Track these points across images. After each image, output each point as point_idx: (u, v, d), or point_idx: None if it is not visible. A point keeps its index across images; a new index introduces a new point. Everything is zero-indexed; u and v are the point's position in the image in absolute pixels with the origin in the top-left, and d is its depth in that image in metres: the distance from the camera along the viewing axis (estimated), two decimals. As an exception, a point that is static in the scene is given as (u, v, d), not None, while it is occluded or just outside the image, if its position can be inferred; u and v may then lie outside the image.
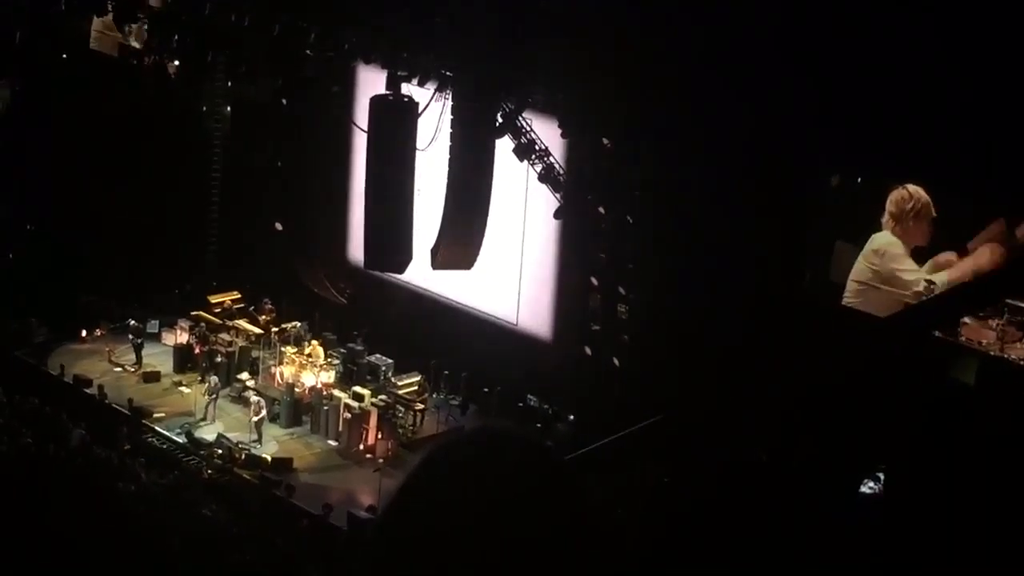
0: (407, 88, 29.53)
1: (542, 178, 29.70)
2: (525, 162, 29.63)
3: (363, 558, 2.92)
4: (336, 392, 31.82)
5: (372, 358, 32.90)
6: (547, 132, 29.56)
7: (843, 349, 26.28)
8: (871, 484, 25.55)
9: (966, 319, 25.45)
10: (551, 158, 29.60)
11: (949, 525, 22.87)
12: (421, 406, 31.83)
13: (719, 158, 27.07)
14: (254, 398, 31.27)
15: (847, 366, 25.64)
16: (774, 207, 27.30)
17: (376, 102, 29.62)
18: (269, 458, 29.95)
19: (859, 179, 27.51)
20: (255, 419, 30.88)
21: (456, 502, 2.83)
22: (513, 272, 32.23)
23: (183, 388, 33.04)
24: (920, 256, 26.68)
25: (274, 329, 33.80)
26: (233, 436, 30.58)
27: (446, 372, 33.22)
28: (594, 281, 30.21)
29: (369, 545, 2.92)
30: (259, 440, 30.75)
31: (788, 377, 25.76)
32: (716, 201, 27.29)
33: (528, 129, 29.39)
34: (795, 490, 24.20)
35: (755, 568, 22.82)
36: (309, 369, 32.28)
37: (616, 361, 29.81)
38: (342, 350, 33.47)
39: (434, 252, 30.01)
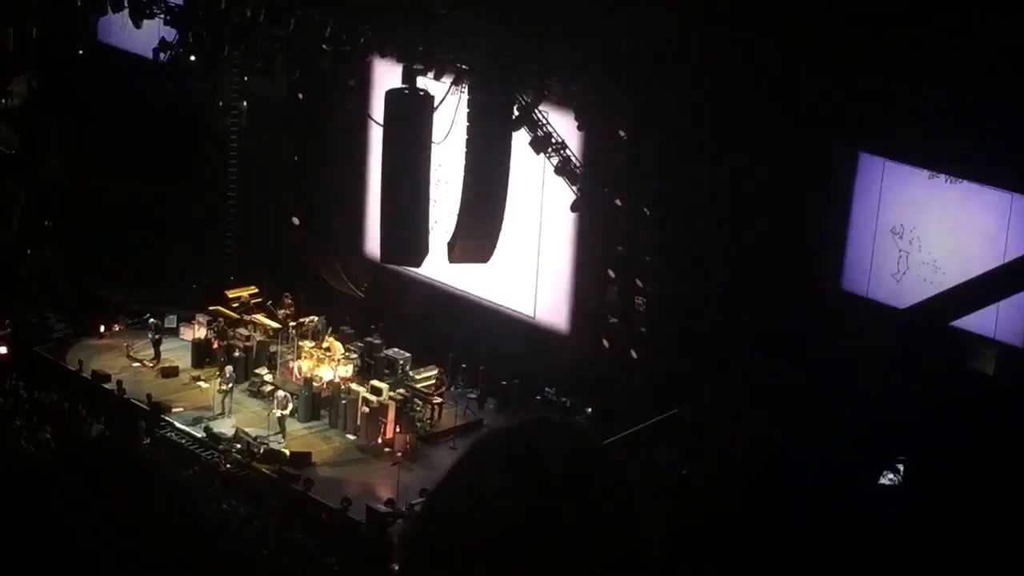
0: (423, 81, 29.56)
1: (559, 171, 29.72)
2: (542, 155, 29.65)
3: (407, 546, 2.96)
4: (354, 386, 31.86)
5: (390, 352, 32.92)
6: (564, 125, 29.58)
7: (864, 338, 26.26)
8: (891, 475, 25.53)
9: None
10: (568, 151, 29.61)
11: (969, 516, 22.84)
12: (439, 399, 31.87)
13: (738, 149, 27.06)
14: (280, 393, 31.32)
15: (867, 356, 25.62)
16: (795, 198, 27.26)
17: (392, 96, 29.65)
18: (288, 452, 30.00)
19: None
20: (281, 413, 30.93)
21: (501, 490, 2.88)
22: (530, 265, 32.25)
23: (201, 383, 33.12)
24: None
25: (291, 323, 33.84)
26: (251, 431, 30.65)
27: (464, 365, 33.25)
28: (611, 273, 30.22)
29: (412, 534, 2.95)
30: (283, 434, 30.81)
31: (808, 367, 25.73)
32: (734, 192, 27.28)
33: (544, 122, 29.41)
34: (815, 481, 24.19)
35: (775, 560, 22.84)
36: (327, 363, 32.32)
37: (634, 353, 29.83)
38: (360, 344, 33.50)
39: (451, 246, 30.02)
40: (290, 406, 31.12)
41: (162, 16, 32.78)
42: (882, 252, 27.53)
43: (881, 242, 27.53)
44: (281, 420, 30.95)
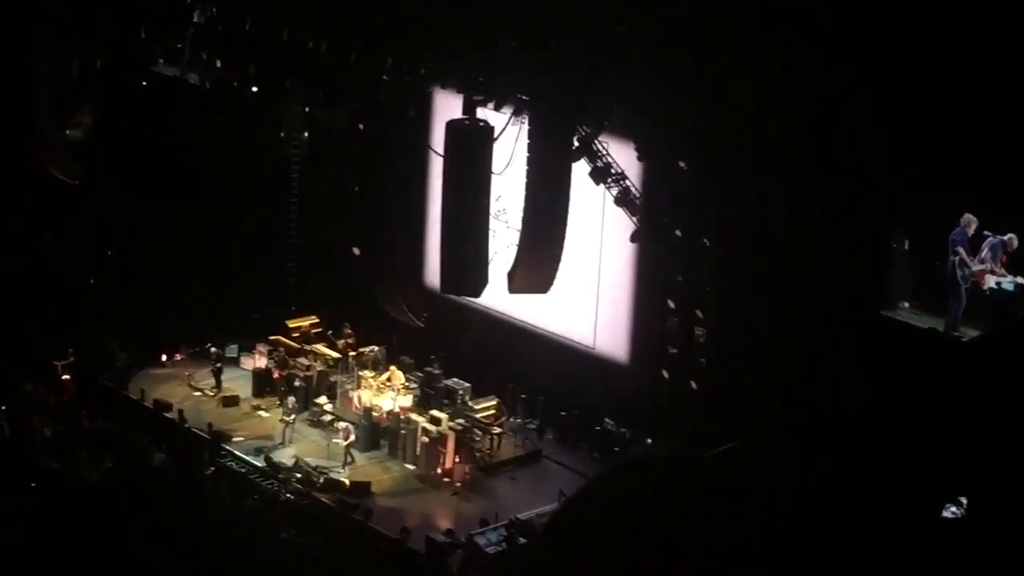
0: (483, 112, 29.63)
1: (618, 201, 29.71)
2: (601, 185, 29.65)
3: (529, 563, 3.11)
4: (413, 416, 31.93)
5: (449, 382, 32.98)
6: (623, 155, 29.58)
7: (928, 373, 26.04)
8: (953, 508, 25.26)
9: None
10: (627, 181, 29.61)
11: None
12: (498, 429, 31.89)
13: (797, 181, 26.95)
14: (341, 424, 31.43)
15: (931, 389, 25.40)
16: (853, 230, 27.12)
17: (452, 127, 29.74)
18: (347, 482, 30.08)
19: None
20: (345, 442, 31.03)
21: (622, 518, 3.05)
22: (590, 295, 32.23)
23: (262, 412, 33.28)
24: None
25: (352, 353, 33.95)
26: (311, 460, 30.75)
27: (523, 396, 33.26)
28: (671, 304, 30.13)
29: (534, 553, 3.11)
30: (349, 463, 30.91)
31: (870, 402, 25.53)
32: (794, 224, 27.16)
33: (604, 152, 29.42)
34: (877, 515, 23.97)
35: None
36: (386, 393, 32.41)
37: (693, 384, 29.71)
38: (419, 374, 33.58)
39: (510, 276, 30.04)
40: (352, 436, 31.23)
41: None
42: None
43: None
44: (348, 448, 31.05)
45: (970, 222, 26.02)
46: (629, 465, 3.42)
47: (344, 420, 31.70)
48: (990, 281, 26.06)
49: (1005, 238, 25.86)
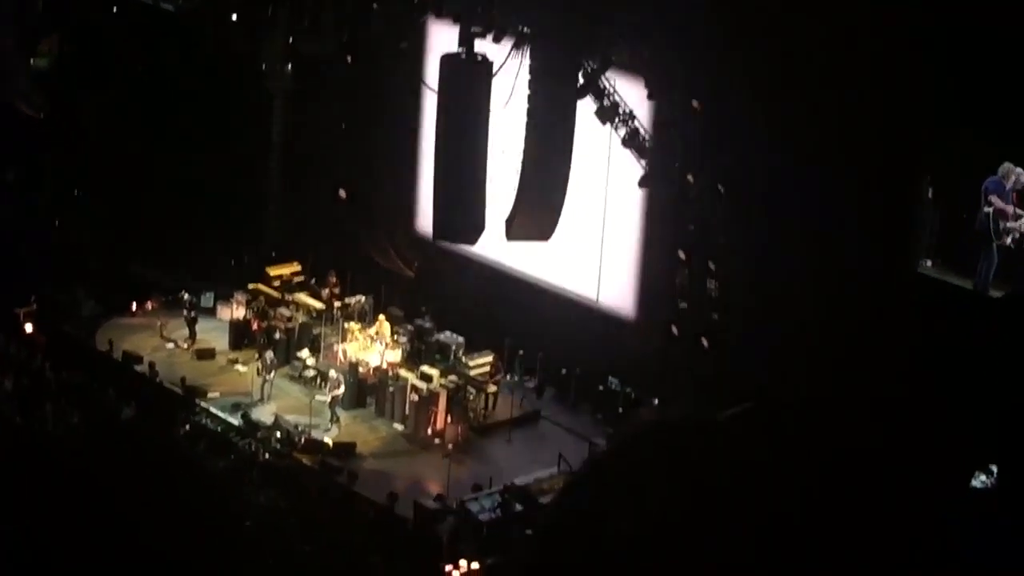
0: (481, 45, 29.53)
1: (626, 143, 29.66)
2: (608, 126, 29.59)
3: (542, 536, 3.17)
4: (403, 372, 31.95)
5: (441, 336, 32.99)
6: (632, 93, 29.52)
7: (957, 330, 26.05)
8: (983, 477, 25.33)
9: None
10: (636, 121, 29.55)
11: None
12: (494, 388, 31.92)
13: (821, 122, 26.87)
14: (332, 374, 31.40)
15: (960, 348, 25.42)
16: (884, 173, 27.02)
17: (448, 61, 29.64)
18: (330, 442, 30.13)
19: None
20: (331, 394, 31.04)
21: (644, 485, 3.11)
22: (594, 245, 32.22)
23: (239, 366, 33.29)
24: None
25: (337, 304, 33.96)
26: (292, 418, 30.79)
27: (521, 352, 33.27)
28: (682, 255, 30.09)
29: (547, 522, 3.17)
30: (334, 420, 30.94)
31: (895, 361, 25.55)
32: (817, 167, 27.09)
33: (612, 90, 29.35)
34: (901, 483, 24.04)
35: (859, 565, 22.70)
36: (374, 347, 32.42)
37: (705, 342, 29.73)
38: (409, 327, 33.56)
39: (509, 222, 30.02)
40: (341, 388, 31.20)
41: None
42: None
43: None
44: (332, 405, 31.06)
45: (1010, 172, 25.75)
46: (638, 434, 3.41)
47: (334, 371, 31.66)
48: None
49: None
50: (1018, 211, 25.84)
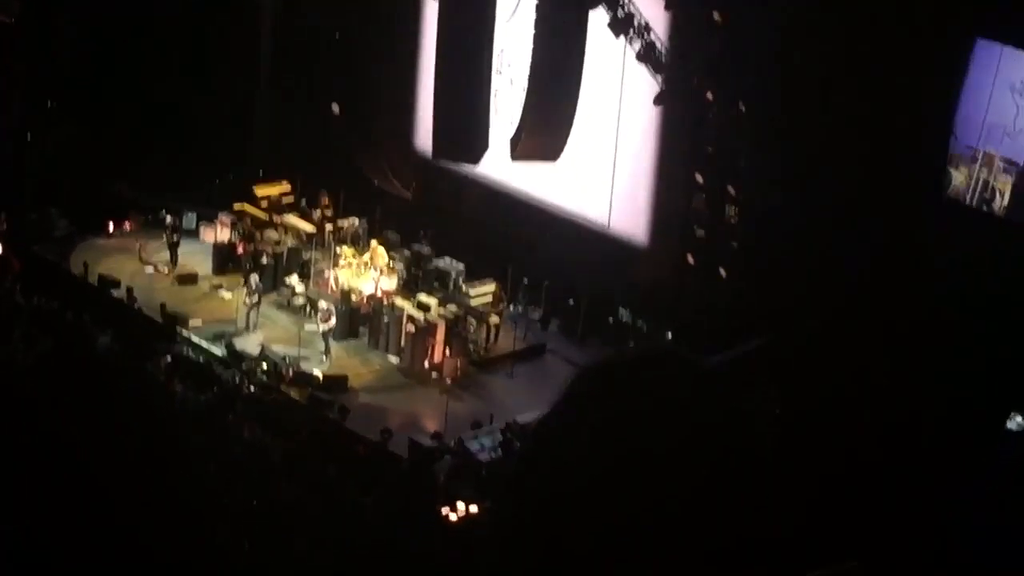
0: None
1: (641, 58, 29.60)
2: (622, 38, 29.48)
3: (511, 486, 3.09)
4: (398, 301, 31.91)
5: (440, 262, 32.98)
6: (648, 3, 29.38)
7: (989, 259, 26.03)
8: (1020, 419, 25.39)
9: None
10: (652, 34, 29.46)
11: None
12: (496, 319, 31.89)
13: (847, 36, 26.75)
14: (322, 305, 31.39)
15: (992, 279, 25.41)
16: (915, 94, 26.92)
17: (450, -35, 29.51)
18: (321, 375, 30.14)
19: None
20: (324, 326, 31.02)
21: (608, 424, 3.03)
22: (605, 167, 32.14)
23: (223, 293, 33.27)
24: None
25: (328, 227, 33.92)
26: (279, 349, 30.79)
27: (525, 280, 33.22)
28: (699, 178, 30.07)
29: (517, 474, 3.09)
30: (326, 352, 30.94)
31: (924, 294, 25.52)
32: (847, 84, 26.99)
33: (626, 0, 29.23)
34: (925, 420, 24.07)
35: (877, 505, 22.74)
36: (368, 274, 32.38)
37: (722, 271, 29.72)
38: (406, 252, 33.55)
39: (514, 141, 29.98)
40: (332, 320, 31.18)
41: None
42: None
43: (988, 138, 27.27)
44: (325, 337, 31.05)
45: None
46: (606, 368, 3.31)
47: (324, 301, 31.66)
48: None
49: None
50: None
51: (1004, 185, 27.07)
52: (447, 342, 31.05)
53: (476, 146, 30.00)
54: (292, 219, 34.45)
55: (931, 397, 24.18)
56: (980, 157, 27.21)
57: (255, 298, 32.00)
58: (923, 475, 23.02)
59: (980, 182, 27.30)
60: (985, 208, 27.25)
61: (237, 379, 29.91)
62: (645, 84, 30.06)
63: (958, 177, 27.49)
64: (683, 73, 29.59)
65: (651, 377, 3.05)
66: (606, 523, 2.87)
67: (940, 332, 24.90)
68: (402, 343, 31.48)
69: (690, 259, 30.39)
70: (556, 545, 2.90)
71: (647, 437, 2.90)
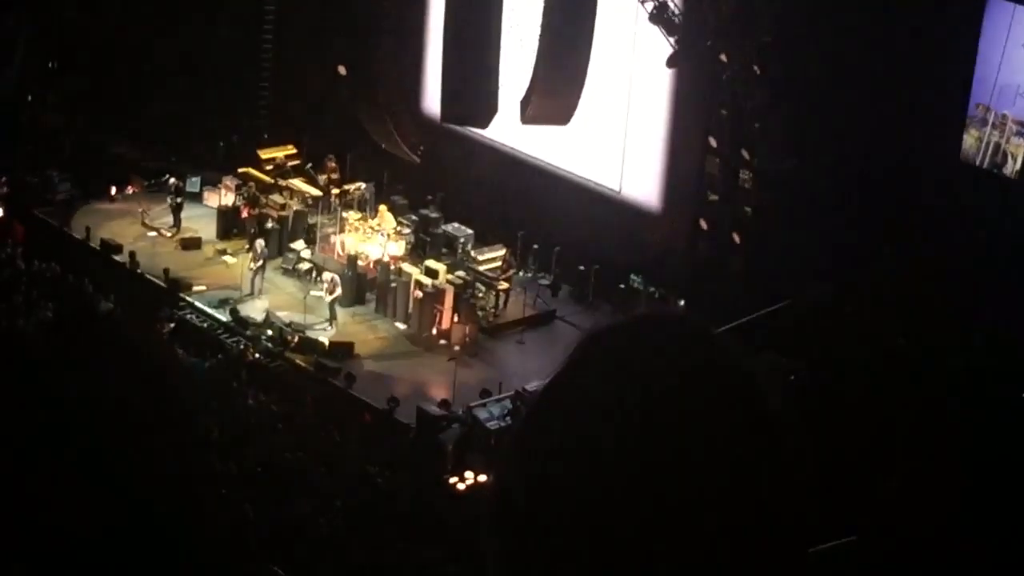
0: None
1: (654, 19, 29.50)
2: (634, -2, 29.41)
3: (506, 459, 2.99)
4: (406, 266, 31.85)
5: (449, 227, 32.88)
6: (662, -37, 29.30)
7: (1005, 221, 25.99)
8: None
9: None
10: (666, -6, 29.40)
11: None
12: (505, 285, 31.80)
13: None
14: (327, 275, 31.34)
15: (1011, 241, 25.36)
16: (931, 53, 26.80)
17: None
18: (327, 342, 30.08)
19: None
20: (330, 297, 30.95)
21: (611, 393, 2.92)
22: (617, 130, 32.05)
23: (227, 257, 33.19)
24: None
25: (335, 191, 33.81)
26: (284, 315, 30.73)
27: (535, 246, 33.14)
28: (712, 142, 29.99)
29: (514, 445, 2.99)
30: (332, 318, 30.85)
31: (942, 258, 25.45)
32: (863, 46, 26.89)
33: (639, -41, 29.17)
34: (947, 389, 24.00)
35: (892, 472, 22.65)
36: (375, 239, 32.31)
37: (736, 237, 29.64)
38: (414, 217, 33.46)
39: (524, 104, 29.89)
40: (338, 291, 31.10)
41: None
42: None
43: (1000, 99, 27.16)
44: (332, 305, 30.98)
45: None
46: (612, 332, 3.19)
47: (327, 270, 31.60)
48: None
49: None
50: None
51: (1017, 148, 26.96)
52: (455, 308, 30.98)
53: (485, 109, 29.90)
54: (298, 183, 34.37)
55: (942, 365, 24.12)
56: (992, 119, 27.10)
57: (260, 263, 31.94)
58: (933, 448, 22.94)
59: (991, 145, 27.20)
60: (996, 171, 27.16)
61: (242, 345, 29.89)
62: (658, 46, 29.95)
63: (968, 140, 27.39)
64: (697, 34, 29.48)
65: (658, 341, 2.97)
66: (609, 491, 2.79)
67: (956, 292, 24.86)
68: (409, 309, 31.41)
69: (703, 224, 30.33)
70: (557, 516, 2.83)
71: (654, 402, 2.81)
